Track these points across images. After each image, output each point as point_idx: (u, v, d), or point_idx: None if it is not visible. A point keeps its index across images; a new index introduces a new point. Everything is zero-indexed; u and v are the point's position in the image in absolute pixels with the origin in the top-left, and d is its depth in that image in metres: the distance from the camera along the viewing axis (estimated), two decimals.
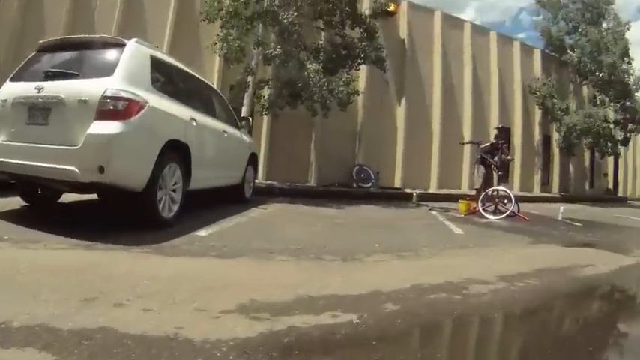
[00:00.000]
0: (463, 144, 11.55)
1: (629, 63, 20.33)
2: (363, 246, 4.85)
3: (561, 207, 10.54)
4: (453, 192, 14.89)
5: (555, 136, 20.20)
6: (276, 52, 10.38)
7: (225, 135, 6.91)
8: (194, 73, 6.51)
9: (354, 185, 14.09)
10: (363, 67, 13.93)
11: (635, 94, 20.59)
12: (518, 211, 9.65)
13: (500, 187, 9.90)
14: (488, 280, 3.67)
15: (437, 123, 16.60)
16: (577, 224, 9.34)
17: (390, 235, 6.14)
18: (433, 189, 15.95)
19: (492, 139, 10.78)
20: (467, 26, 18.28)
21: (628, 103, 20.41)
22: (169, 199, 4.91)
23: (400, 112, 16.00)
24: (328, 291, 3.05)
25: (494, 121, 18.08)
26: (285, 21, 10.04)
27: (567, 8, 20.91)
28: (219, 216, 5.93)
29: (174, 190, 5.00)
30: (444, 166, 16.38)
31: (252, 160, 8.62)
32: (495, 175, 10.55)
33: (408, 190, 14.14)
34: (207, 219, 5.55)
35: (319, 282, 3.28)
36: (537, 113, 20.31)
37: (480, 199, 9.65)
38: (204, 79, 7.16)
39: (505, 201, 9.70)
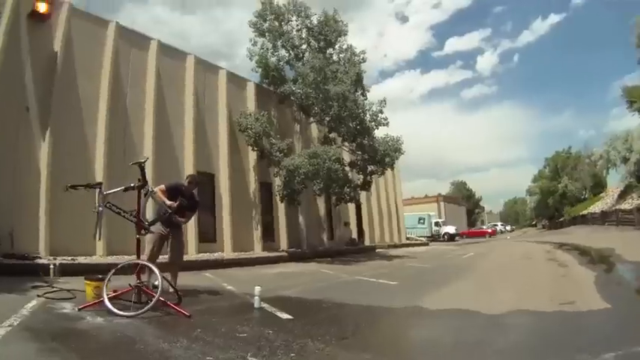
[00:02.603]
0: (70, 188, 7.35)
1: (363, 94, 19.18)
2: None
3: (257, 287, 6.83)
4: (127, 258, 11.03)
5: (278, 182, 17.78)
6: None
7: None
8: None
9: None
10: None
11: (374, 131, 19.35)
12: (179, 299, 6.43)
13: (141, 260, 6.66)
14: None
15: (100, 167, 12.73)
16: (284, 317, 6.03)
17: None
18: (99, 254, 12.06)
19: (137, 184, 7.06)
20: (153, 45, 15.16)
21: (365, 141, 18.97)
22: None
23: (44, 150, 11.81)
24: None
25: (188, 166, 15.11)
26: None
27: (290, 34, 19.17)
28: None
29: None
30: (111, 223, 12.24)
31: None
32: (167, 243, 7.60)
33: (44, 261, 10.24)
34: None
35: None
36: (253, 156, 17.90)
37: (107, 280, 6.18)
38: None
39: (157, 282, 6.39)
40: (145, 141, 14.23)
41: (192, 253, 14.40)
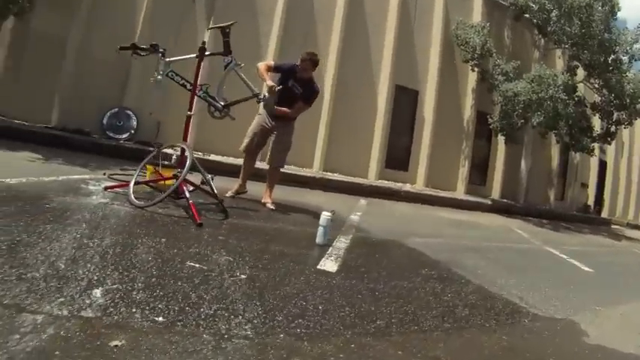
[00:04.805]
0: (121, 49, 5.50)
1: (612, 12, 13.91)
2: None
3: (325, 213, 4.37)
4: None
5: (496, 113, 13.70)
6: None
7: None
8: None
9: (97, 135, 9.32)
10: None
11: (628, 66, 13.74)
12: (221, 207, 4.95)
13: (182, 143, 5.18)
14: None
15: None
16: (329, 270, 3.50)
17: None
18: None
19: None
20: None
21: (613, 78, 13.49)
22: None
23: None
24: None
25: (384, 78, 12.49)
26: None
27: None
28: None
29: None
30: None
31: None
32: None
33: (169, 150, 8.92)
34: None
35: None
36: (472, 78, 14.28)
37: (142, 163, 5.30)
38: None
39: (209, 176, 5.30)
40: (330, 45, 11.80)
41: (370, 178, 11.93)
